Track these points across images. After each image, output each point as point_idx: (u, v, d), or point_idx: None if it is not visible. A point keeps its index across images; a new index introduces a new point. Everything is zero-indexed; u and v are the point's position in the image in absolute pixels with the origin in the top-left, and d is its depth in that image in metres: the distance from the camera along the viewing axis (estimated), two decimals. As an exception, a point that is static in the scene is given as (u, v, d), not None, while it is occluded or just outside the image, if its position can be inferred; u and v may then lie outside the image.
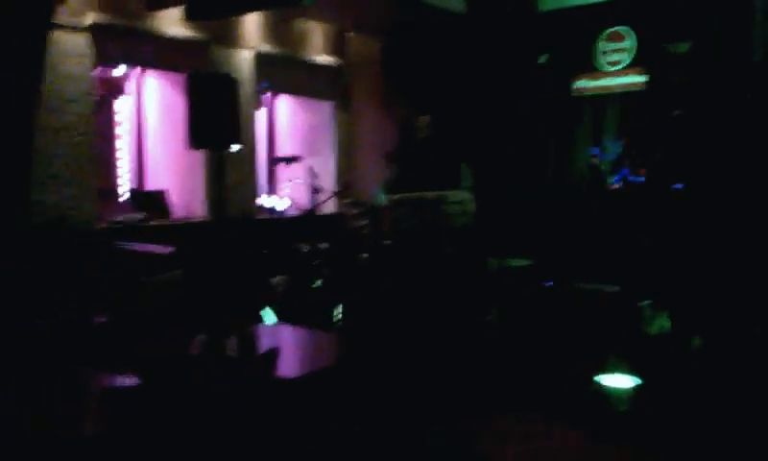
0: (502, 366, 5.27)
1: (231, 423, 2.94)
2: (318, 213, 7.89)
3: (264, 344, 4.00)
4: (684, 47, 6.50)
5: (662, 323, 4.97)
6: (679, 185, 6.62)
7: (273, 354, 3.12)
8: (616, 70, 7.48)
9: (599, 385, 4.61)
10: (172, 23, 7.49)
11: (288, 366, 3.47)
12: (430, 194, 5.80)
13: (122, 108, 8.11)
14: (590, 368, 4.80)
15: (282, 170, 9.32)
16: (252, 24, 8.40)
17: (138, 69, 7.92)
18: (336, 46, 9.56)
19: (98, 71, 7.34)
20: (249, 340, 3.87)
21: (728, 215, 5.55)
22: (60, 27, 6.47)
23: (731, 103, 5.50)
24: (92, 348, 4.14)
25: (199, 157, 7.93)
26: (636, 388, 4.53)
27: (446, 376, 4.99)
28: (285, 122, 9.80)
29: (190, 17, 6.79)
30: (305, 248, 7.82)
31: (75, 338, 4.18)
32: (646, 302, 5.18)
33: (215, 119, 6.27)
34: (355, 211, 7.77)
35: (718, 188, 5.75)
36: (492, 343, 5.68)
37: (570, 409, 4.60)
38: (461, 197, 5.85)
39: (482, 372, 5.18)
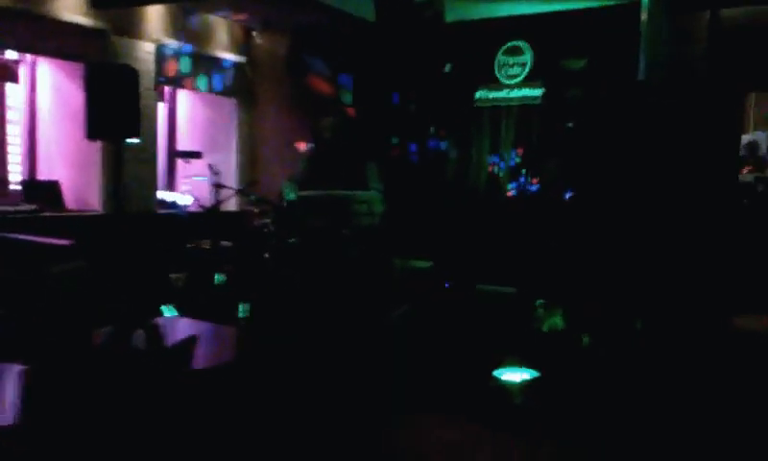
0: (404, 364, 5.41)
1: (134, 414, 2.92)
2: (220, 211, 7.80)
3: (170, 336, 3.97)
4: (578, 64, 6.93)
5: (555, 321, 5.29)
6: (569, 194, 7.04)
7: (190, 344, 3.11)
8: (515, 83, 7.84)
9: (496, 379, 4.85)
10: (70, 9, 7.22)
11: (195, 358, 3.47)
12: (339, 193, 5.90)
13: (13, 94, 7.74)
14: (488, 364, 5.02)
15: (182, 166, 9.14)
16: (155, 16, 8.22)
17: (35, 57, 7.58)
18: (241, 44, 9.51)
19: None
20: (155, 332, 3.80)
21: (612, 220, 5.97)
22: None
23: (616, 118, 5.93)
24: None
25: (95, 148, 7.68)
26: (530, 381, 4.79)
27: (348, 374, 5.08)
28: (185, 117, 9.63)
29: (95, 5, 6.57)
30: (207, 244, 7.73)
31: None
32: (539, 301, 5.50)
33: (114, 110, 6.15)
34: (258, 210, 7.76)
35: (604, 195, 6.18)
36: (394, 341, 5.81)
37: (470, 403, 4.80)
38: (368, 197, 5.99)
39: (384, 371, 5.30)
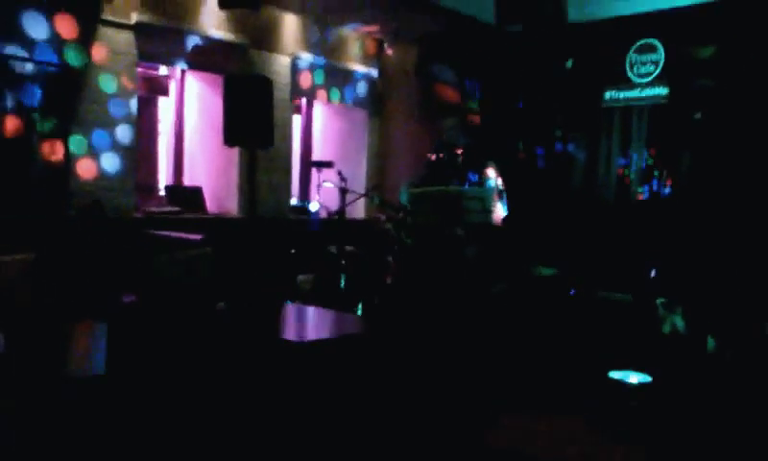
0: (524, 367, 5.31)
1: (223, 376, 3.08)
2: (346, 216, 8.03)
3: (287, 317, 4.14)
4: (707, 51, 6.50)
5: (676, 321, 4.96)
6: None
7: (276, 311, 3.24)
8: (646, 82, 7.50)
9: (612, 380, 4.62)
10: (213, 25, 7.78)
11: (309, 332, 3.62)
12: (451, 189, 5.90)
13: (164, 107, 8.44)
14: (606, 365, 4.80)
15: (315, 175, 9.51)
16: (290, 30, 8.67)
17: (179, 70, 8.23)
18: (372, 56, 9.78)
19: (141, 71, 7.68)
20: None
21: (743, 215, 5.52)
22: (107, 23, 6.81)
23: (748, 107, 5.48)
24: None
25: (234, 157, 8.18)
26: (647, 384, 4.52)
27: (465, 375, 5.05)
28: (320, 128, 10.03)
29: (222, 6, 7.03)
30: (333, 249, 7.98)
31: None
32: (661, 300, 5.18)
33: (250, 118, 6.53)
34: (385, 216, 7.92)
35: (734, 190, 5.72)
36: (515, 346, 5.71)
37: (583, 404, 4.63)
38: (481, 193, 5.94)
39: (504, 372, 5.22)
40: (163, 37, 7.46)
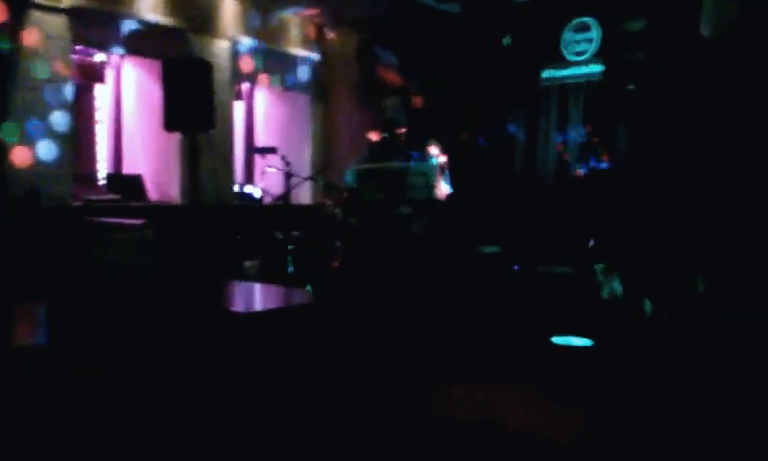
0: (472, 339, 5.42)
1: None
2: (291, 201, 8.01)
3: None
4: (638, 25, 6.72)
5: (614, 286, 5.13)
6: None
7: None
8: (582, 60, 7.71)
9: (555, 345, 4.75)
10: (149, 9, 7.64)
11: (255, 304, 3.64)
12: (395, 164, 5.95)
13: (101, 94, 8.25)
14: (548, 333, 4.94)
15: (259, 160, 9.46)
16: (229, 14, 8.57)
17: (117, 56, 8.05)
18: (314, 40, 9.75)
19: (77, 57, 7.49)
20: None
21: (674, 184, 5.74)
22: (38, 7, 6.62)
23: (679, 77, 5.71)
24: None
25: (175, 143, 8.06)
26: (589, 348, 4.67)
27: (414, 347, 5.13)
28: (262, 114, 9.96)
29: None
30: (279, 234, 7.95)
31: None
32: (599, 266, 5.35)
33: (189, 103, 6.44)
34: (330, 201, 7.94)
35: (668, 159, 5.94)
36: (461, 317, 5.81)
37: (529, 370, 4.75)
38: (425, 169, 6.01)
39: (452, 344, 5.32)
40: (98, 22, 7.30)
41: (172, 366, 3.07)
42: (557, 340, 4.78)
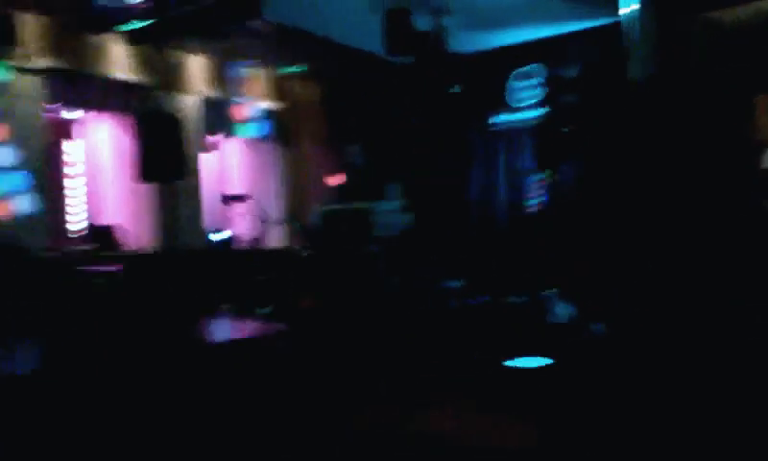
0: (428, 362, 5.78)
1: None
2: (265, 245, 8.34)
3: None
4: (573, 71, 7.31)
5: (566, 311, 5.55)
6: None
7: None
8: (526, 105, 8.30)
9: (507, 367, 5.14)
10: (120, 68, 8.02)
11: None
12: (360, 205, 6.34)
13: (73, 150, 8.55)
14: (503, 356, 5.32)
15: (231, 207, 9.79)
16: (197, 71, 8.99)
17: (90, 113, 8.39)
18: (278, 91, 10.21)
19: (50, 115, 7.82)
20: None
21: (614, 214, 6.22)
22: (15, 69, 6.97)
23: (609, 118, 6.25)
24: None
25: (149, 193, 8.38)
26: (539, 369, 5.07)
27: (381, 371, 5.48)
28: (234, 162, 10.33)
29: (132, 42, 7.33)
30: (253, 278, 8.25)
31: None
32: (551, 291, 5.77)
33: (160, 155, 6.82)
34: (300, 242, 8.29)
35: (606, 192, 6.44)
36: (424, 346, 6.17)
37: (483, 390, 5.12)
38: (389, 208, 6.40)
39: (413, 368, 5.68)
40: (71, 82, 7.64)
41: (155, 394, 3.39)
42: (510, 363, 5.18)
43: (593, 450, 4.03)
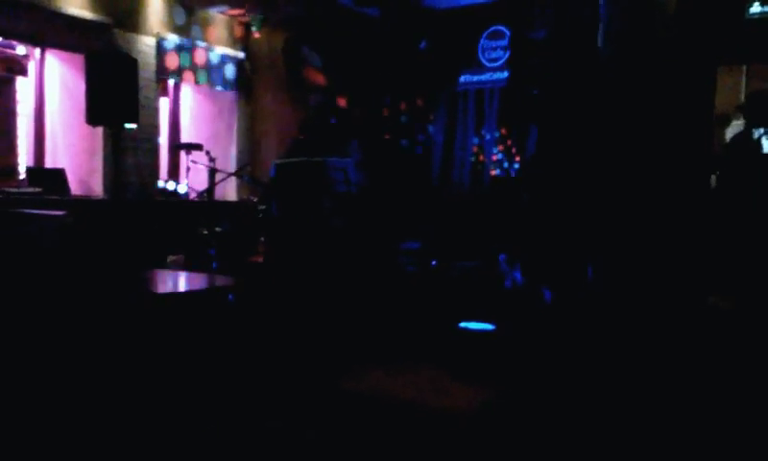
0: (386, 325, 5.73)
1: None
2: (215, 197, 8.14)
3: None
4: (541, 34, 7.20)
5: (515, 275, 5.53)
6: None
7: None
8: (496, 66, 8.15)
9: (461, 329, 5.10)
10: (73, 3, 7.66)
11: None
12: (316, 159, 6.18)
13: (23, 88, 8.19)
14: (455, 319, 5.29)
15: (184, 157, 9.52)
16: (155, 11, 8.65)
17: (38, 50, 8.02)
18: (240, 39, 9.92)
19: (-2, 49, 7.46)
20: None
21: (571, 181, 6.19)
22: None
23: (575, 86, 6.17)
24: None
25: (99, 138, 8.09)
26: (491, 331, 5.04)
27: (331, 332, 5.40)
28: (189, 111, 10.04)
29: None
30: (203, 230, 8.08)
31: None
32: (502, 256, 5.74)
33: (113, 97, 6.52)
34: (255, 197, 8.11)
35: (568, 160, 6.39)
36: (379, 306, 6.10)
37: (439, 353, 5.10)
38: (344, 165, 6.26)
39: (367, 330, 5.62)
40: (20, 14, 7.27)
41: (90, 349, 3.24)
42: (463, 325, 5.14)
43: (545, 414, 4.04)
